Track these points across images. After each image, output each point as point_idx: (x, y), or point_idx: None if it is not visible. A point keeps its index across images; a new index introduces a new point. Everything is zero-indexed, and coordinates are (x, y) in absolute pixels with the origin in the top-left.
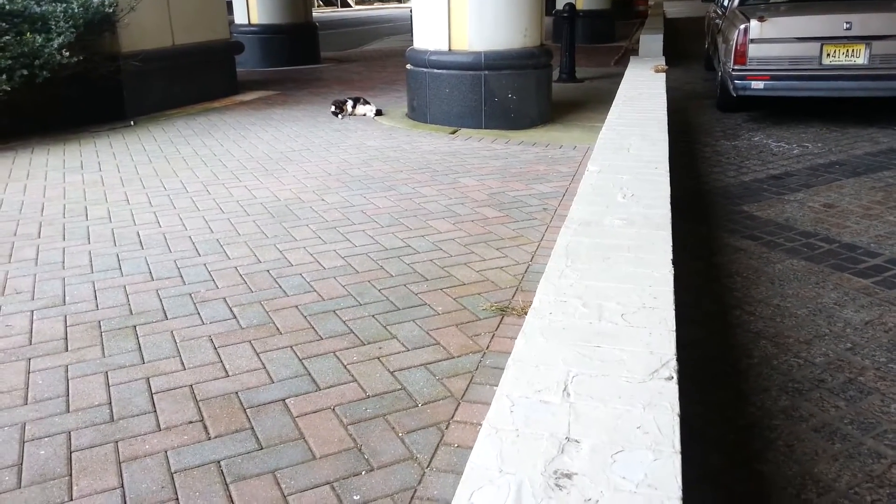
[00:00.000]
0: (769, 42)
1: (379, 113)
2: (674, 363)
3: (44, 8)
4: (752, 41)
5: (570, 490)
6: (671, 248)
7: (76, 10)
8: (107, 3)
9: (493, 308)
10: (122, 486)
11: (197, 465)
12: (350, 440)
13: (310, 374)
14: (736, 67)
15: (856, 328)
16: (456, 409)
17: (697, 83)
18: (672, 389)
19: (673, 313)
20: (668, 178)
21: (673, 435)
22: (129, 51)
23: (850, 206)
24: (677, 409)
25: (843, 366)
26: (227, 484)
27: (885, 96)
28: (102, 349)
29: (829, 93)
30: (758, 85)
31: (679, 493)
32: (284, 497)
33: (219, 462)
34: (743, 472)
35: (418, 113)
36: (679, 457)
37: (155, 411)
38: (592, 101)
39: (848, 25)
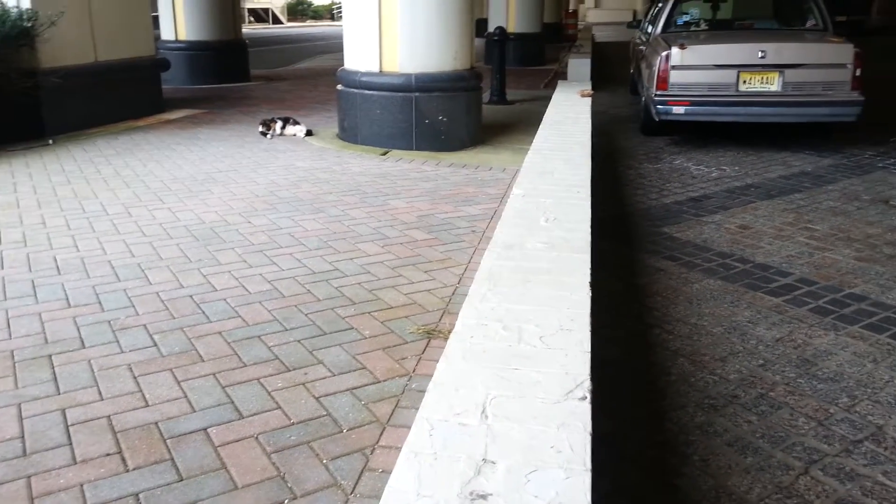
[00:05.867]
0: (689, 69)
1: (309, 133)
2: (588, 383)
3: None
4: (674, 68)
5: None
6: (590, 272)
7: None
8: (25, 16)
9: (421, 331)
10: None
11: (114, 498)
12: (273, 468)
13: (233, 402)
14: (658, 93)
15: (767, 345)
16: (381, 434)
17: (623, 107)
18: (585, 409)
19: (589, 335)
20: (590, 203)
21: (584, 453)
22: (49, 66)
23: (763, 227)
24: (589, 428)
25: (755, 382)
26: None
27: (797, 122)
28: (15, 380)
29: (745, 118)
30: (679, 110)
31: None
32: None
33: (137, 495)
34: (659, 487)
35: (349, 134)
36: (589, 475)
37: (70, 444)
38: (523, 124)
39: (762, 54)
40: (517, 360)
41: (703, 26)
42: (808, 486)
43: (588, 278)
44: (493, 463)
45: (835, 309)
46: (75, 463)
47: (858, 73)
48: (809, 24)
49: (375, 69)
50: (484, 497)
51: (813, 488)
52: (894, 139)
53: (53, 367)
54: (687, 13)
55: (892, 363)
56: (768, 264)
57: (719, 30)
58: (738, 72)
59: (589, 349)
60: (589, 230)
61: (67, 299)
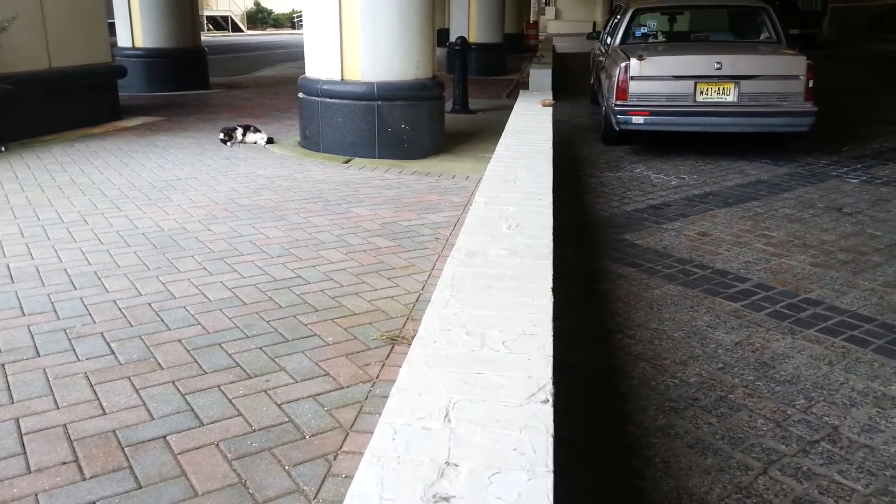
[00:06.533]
0: (648, 79)
1: (270, 141)
2: (550, 387)
3: None
4: (633, 78)
5: None
6: (552, 277)
7: None
8: None
9: (384, 337)
10: None
11: None
12: (234, 475)
13: (192, 410)
14: (618, 103)
15: (726, 349)
16: (344, 440)
17: (584, 116)
18: (547, 412)
19: (551, 339)
20: (552, 210)
21: (547, 455)
22: (0, 72)
23: (721, 234)
24: (552, 431)
25: (714, 384)
26: None
27: (753, 131)
28: None
29: (702, 128)
30: (638, 120)
31: None
32: None
33: (94, 503)
34: (622, 490)
35: (311, 142)
36: (552, 476)
37: (25, 453)
38: (485, 132)
39: (718, 66)
40: (480, 365)
41: (661, 38)
42: (767, 486)
43: (550, 284)
44: (457, 466)
45: (791, 313)
46: (30, 472)
47: (811, 84)
48: (763, 36)
49: (337, 77)
50: (447, 499)
51: (771, 488)
52: (847, 148)
53: (7, 376)
54: (645, 25)
55: (847, 366)
56: (727, 270)
57: (676, 42)
58: (696, 82)
59: (551, 353)
60: (551, 237)
61: (21, 307)
